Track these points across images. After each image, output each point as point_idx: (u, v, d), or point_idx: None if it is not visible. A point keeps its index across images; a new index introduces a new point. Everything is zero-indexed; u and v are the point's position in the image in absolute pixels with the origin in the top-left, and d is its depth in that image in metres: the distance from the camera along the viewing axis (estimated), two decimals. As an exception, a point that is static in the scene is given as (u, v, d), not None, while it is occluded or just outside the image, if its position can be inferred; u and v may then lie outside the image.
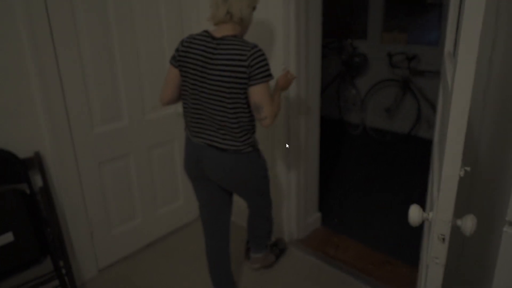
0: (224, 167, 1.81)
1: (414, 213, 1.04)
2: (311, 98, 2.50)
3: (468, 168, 0.96)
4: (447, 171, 0.93)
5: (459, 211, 1.12)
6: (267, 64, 1.65)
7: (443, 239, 0.98)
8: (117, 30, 2.23)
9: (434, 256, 1.01)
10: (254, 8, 1.77)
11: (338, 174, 3.73)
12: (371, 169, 3.81)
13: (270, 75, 1.67)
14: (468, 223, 1.00)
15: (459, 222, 1.02)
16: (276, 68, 2.24)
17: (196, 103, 1.76)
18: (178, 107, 2.63)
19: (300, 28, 2.27)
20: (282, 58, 2.29)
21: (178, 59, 1.78)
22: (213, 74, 1.66)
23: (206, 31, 1.74)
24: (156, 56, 2.46)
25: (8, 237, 1.92)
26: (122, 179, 2.46)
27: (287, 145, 2.44)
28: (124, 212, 2.52)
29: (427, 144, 4.17)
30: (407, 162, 3.93)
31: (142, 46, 2.38)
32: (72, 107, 2.14)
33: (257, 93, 1.65)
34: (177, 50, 1.79)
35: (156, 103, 2.51)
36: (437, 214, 0.98)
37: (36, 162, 2.02)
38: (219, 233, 2.08)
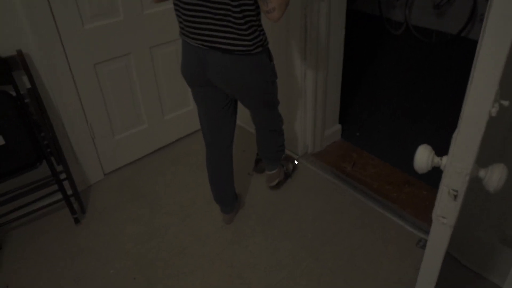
0: (231, 72, 1.54)
1: (422, 157, 0.78)
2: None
3: (506, 102, 0.66)
4: (471, 104, 0.64)
5: (485, 157, 0.85)
6: None
7: (455, 196, 0.73)
8: None
9: (440, 214, 0.77)
10: None
11: (369, 80, 3.36)
12: (410, 77, 3.39)
13: None
14: (495, 175, 0.73)
15: (482, 173, 0.75)
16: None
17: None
18: (183, 0, 2.29)
19: None
20: None
21: None
22: None
23: None
24: None
25: (-1, 140, 1.84)
26: (122, 82, 2.26)
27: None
28: (127, 117, 2.37)
29: (478, 48, 3.63)
30: (451, 68, 3.46)
31: None
32: (56, 1, 1.87)
33: None
34: None
35: (156, -5, 2.19)
36: (451, 163, 0.72)
37: (20, 61, 1.84)
38: (221, 144, 1.88)
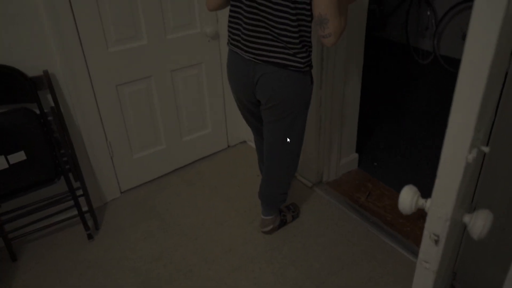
0: (281, 84, 1.60)
1: (406, 198, 0.76)
2: (355, 14, 2.08)
3: (486, 149, 0.64)
4: (449, 149, 0.63)
5: (471, 200, 0.82)
6: None
7: (436, 240, 0.71)
8: None
9: (423, 259, 0.75)
10: None
11: (392, 109, 3.32)
12: (434, 108, 3.33)
13: None
14: (479, 222, 0.71)
15: (467, 218, 0.73)
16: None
17: (252, 12, 1.51)
18: (205, 27, 2.36)
19: None
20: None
21: None
22: None
23: None
24: (179, -34, 2.16)
25: (20, 155, 1.92)
26: (142, 103, 2.34)
27: None
28: (146, 137, 2.43)
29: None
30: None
31: (162, -47, 2.08)
32: (83, 23, 1.97)
33: (323, 3, 1.37)
34: None
35: (179, 22, 2.27)
36: (431, 207, 0.70)
37: (46, 81, 1.94)
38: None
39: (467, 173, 0.64)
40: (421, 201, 0.76)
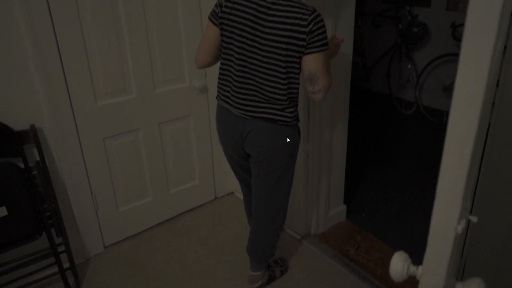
0: (270, 139, 1.64)
1: (397, 266, 0.75)
2: (339, 68, 2.15)
3: (474, 218, 0.65)
4: (438, 220, 0.63)
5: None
6: (325, 32, 1.47)
7: (429, 311, 0.70)
8: (122, -6, 2.02)
9: (417, 329, 0.73)
10: None
11: (378, 159, 3.36)
12: (419, 158, 3.39)
13: (327, 44, 1.48)
14: (472, 291, 0.70)
15: (459, 286, 0.72)
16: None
17: (242, 70, 1.56)
18: (193, 81, 2.41)
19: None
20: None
21: (221, 16, 1.55)
22: (268, 39, 1.46)
23: None
24: (169, 24, 2.23)
25: (2, 211, 1.87)
26: (130, 156, 2.32)
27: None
28: (133, 189, 2.40)
29: (489, 131, 3.63)
30: (461, 151, 3.44)
31: (153, 12, 2.15)
32: (72, 77, 1.99)
33: (313, 62, 1.46)
34: (219, 5, 1.56)
35: (168, 76, 2.31)
36: (422, 276, 0.69)
37: (32, 135, 1.93)
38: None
39: (457, 243, 0.64)
40: (412, 268, 0.75)
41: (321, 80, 1.49)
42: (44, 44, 1.85)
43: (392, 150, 3.52)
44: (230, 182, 2.81)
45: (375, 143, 3.66)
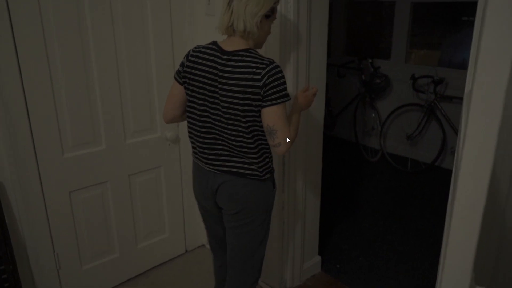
0: (239, 192, 1.58)
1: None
2: (312, 118, 2.18)
3: None
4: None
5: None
6: (283, 83, 1.43)
7: None
8: (94, 44, 2.00)
9: None
10: (268, 17, 1.49)
11: (348, 207, 3.38)
12: (387, 204, 3.43)
13: (286, 96, 1.44)
14: None
15: None
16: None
17: (206, 126, 1.55)
18: (165, 132, 2.37)
19: (301, 42, 1.97)
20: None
21: (183, 75, 1.57)
22: (225, 95, 1.45)
23: (214, 43, 1.53)
24: (141, 72, 2.21)
25: (-48, 275, 1.70)
26: (97, 210, 2.21)
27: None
28: (98, 246, 2.26)
29: (452, 178, 3.75)
30: (428, 197, 3.53)
31: (125, 62, 2.13)
32: (38, 128, 1.91)
33: (270, 115, 1.44)
34: (182, 64, 1.58)
35: (139, 127, 2.26)
36: None
37: (-9, 191, 1.80)
38: (223, 251, 1.89)
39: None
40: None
41: (281, 133, 1.45)
42: (6, 89, 1.77)
43: (360, 198, 3.56)
44: (202, 234, 2.72)
45: (344, 190, 3.69)
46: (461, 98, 3.72)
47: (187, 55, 1.57)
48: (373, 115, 4.41)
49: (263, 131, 1.52)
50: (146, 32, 2.17)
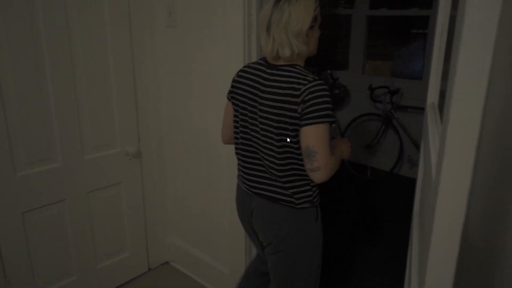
0: (274, 222, 1.45)
1: None
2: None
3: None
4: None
5: None
6: (326, 103, 1.27)
7: None
8: (50, 58, 1.90)
9: None
10: (312, 26, 1.36)
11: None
12: (351, 212, 3.48)
13: (328, 116, 1.28)
14: None
15: None
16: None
17: (246, 143, 1.49)
18: (126, 146, 2.29)
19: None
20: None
21: (231, 91, 1.54)
22: (263, 110, 1.37)
23: (263, 58, 1.47)
24: (100, 84, 2.12)
25: None
26: (53, 231, 2.08)
27: None
28: (55, 269, 2.13)
29: (411, 183, 3.89)
30: (390, 204, 3.62)
31: (82, 76, 2.04)
32: (-13, 147, 1.78)
33: (309, 135, 1.28)
34: (232, 81, 1.55)
35: (98, 142, 2.17)
36: None
37: None
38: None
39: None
40: None
41: (321, 156, 1.27)
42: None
43: (323, 207, 3.59)
44: (165, 251, 2.64)
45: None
46: (416, 108, 3.87)
47: (237, 72, 1.54)
48: (333, 125, 4.48)
49: (298, 154, 1.37)
50: (104, 45, 2.09)
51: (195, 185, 2.37)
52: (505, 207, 1.08)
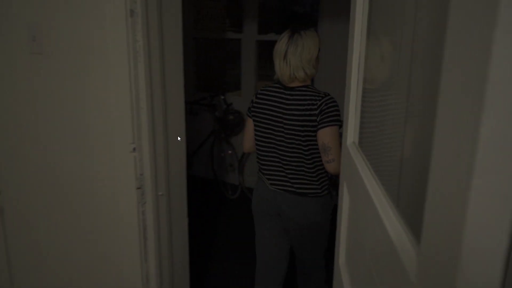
0: (305, 212, 1.84)
1: None
2: (175, 157, 1.93)
3: None
4: None
5: None
6: (337, 111, 1.72)
7: None
8: None
9: None
10: (318, 52, 1.79)
11: (215, 248, 3.17)
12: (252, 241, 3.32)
13: (339, 121, 1.71)
14: None
15: None
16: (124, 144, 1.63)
17: (271, 151, 1.85)
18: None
19: (155, 83, 1.72)
20: (130, 131, 1.69)
21: (252, 110, 1.90)
22: (289, 124, 1.76)
23: (278, 82, 1.85)
24: None
25: None
26: None
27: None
28: None
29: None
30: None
31: None
32: None
33: (325, 134, 1.69)
34: (251, 101, 1.94)
35: None
36: None
37: None
38: (272, 280, 2.12)
39: None
40: None
41: (334, 150, 1.68)
42: None
43: (224, 239, 3.39)
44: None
45: (210, 232, 3.48)
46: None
47: (256, 94, 1.93)
48: (230, 151, 4.35)
49: (318, 153, 1.77)
50: None
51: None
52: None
